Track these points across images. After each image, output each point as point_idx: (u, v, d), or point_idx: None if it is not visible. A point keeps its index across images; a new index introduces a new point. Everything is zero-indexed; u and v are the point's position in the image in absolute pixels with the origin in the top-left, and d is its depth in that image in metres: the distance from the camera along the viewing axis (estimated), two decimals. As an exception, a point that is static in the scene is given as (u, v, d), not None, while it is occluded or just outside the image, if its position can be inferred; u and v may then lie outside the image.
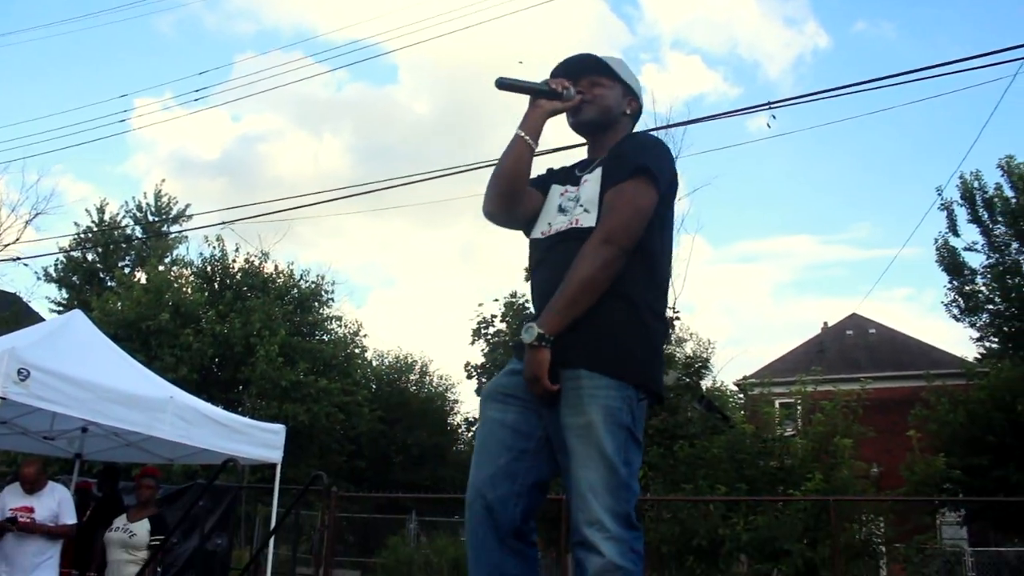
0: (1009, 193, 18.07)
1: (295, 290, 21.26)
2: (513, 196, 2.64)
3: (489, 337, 16.48)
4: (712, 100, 54.52)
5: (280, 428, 8.77)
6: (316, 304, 21.52)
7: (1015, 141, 58.14)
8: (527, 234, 2.73)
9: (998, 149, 34.01)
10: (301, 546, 14.17)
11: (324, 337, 21.71)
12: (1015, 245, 18.24)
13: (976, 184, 18.58)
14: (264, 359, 18.00)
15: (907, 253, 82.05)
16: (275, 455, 8.32)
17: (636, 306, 2.45)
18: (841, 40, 56.75)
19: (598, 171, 2.58)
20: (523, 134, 2.57)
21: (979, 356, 19.67)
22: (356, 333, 23.68)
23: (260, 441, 7.84)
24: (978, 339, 19.89)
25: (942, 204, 19.17)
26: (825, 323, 30.49)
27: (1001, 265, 18.52)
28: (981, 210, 18.58)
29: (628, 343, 2.42)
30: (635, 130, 2.84)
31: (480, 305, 16.62)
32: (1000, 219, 18.28)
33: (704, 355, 16.44)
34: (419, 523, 19.04)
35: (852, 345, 27.50)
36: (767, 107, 11.04)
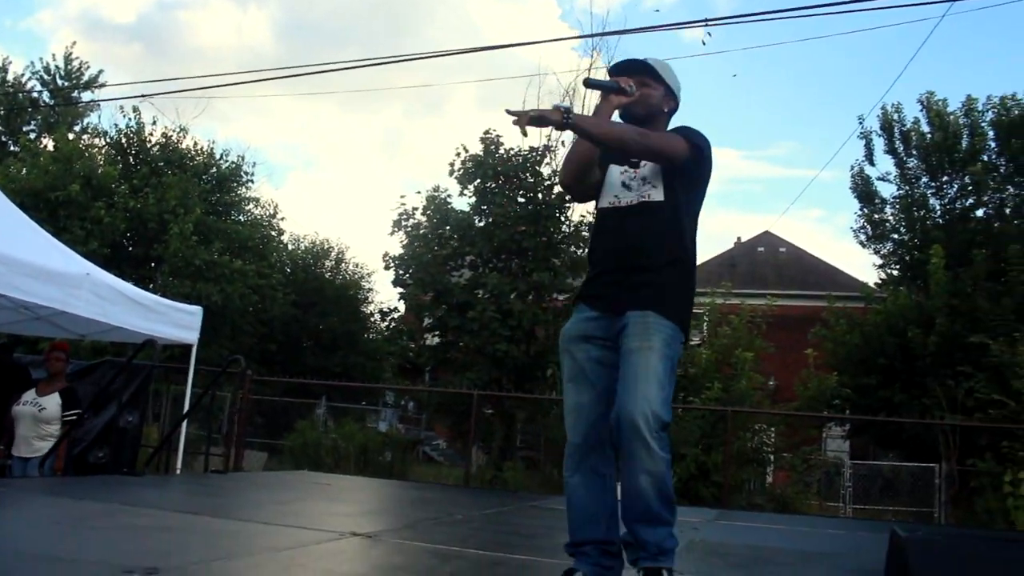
0: (926, 129, 18.53)
1: (214, 169, 20.69)
2: (588, 171, 3.24)
3: (409, 229, 16.43)
4: (648, 5, 53.91)
5: (197, 310, 8.73)
6: (235, 184, 21.03)
7: (938, 79, 59.37)
8: (596, 202, 3.32)
9: (922, 85, 34.71)
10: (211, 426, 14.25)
11: (241, 218, 21.33)
12: (925, 179, 18.82)
13: (896, 117, 18.99)
14: (178, 237, 17.63)
15: (825, 176, 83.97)
16: (191, 336, 8.30)
17: (690, 269, 3.19)
18: (782, -45, 56.22)
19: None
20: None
21: (879, 282, 20.47)
22: (273, 216, 23.33)
23: (176, 322, 7.80)
24: (880, 266, 20.67)
25: (862, 133, 19.60)
26: (738, 238, 31.31)
27: (910, 197, 19.13)
28: (898, 142, 19.04)
29: (683, 298, 3.11)
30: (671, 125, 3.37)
31: (402, 197, 16.58)
32: (914, 153, 18.79)
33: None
34: (328, 408, 19.27)
35: (762, 262, 28.32)
36: (704, 23, 11.13)
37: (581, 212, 16.56)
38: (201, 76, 52.46)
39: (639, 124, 3.18)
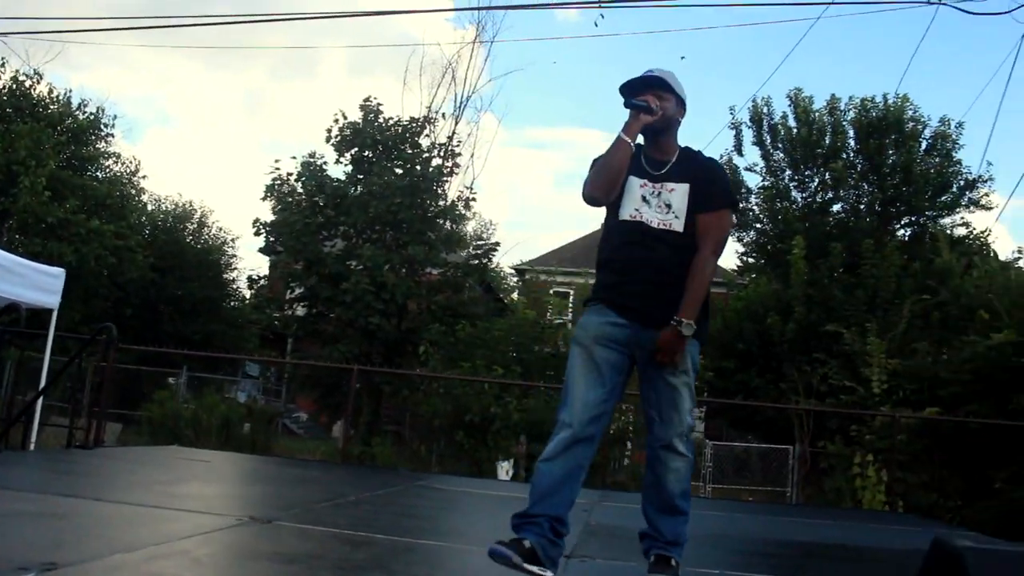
0: (792, 124, 19.23)
1: (70, 120, 19.41)
2: (616, 185, 3.42)
3: (282, 195, 15.87)
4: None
5: (59, 272, 8.18)
6: (93, 138, 19.81)
7: (808, 77, 61.85)
8: (615, 213, 3.49)
9: (794, 82, 36.05)
10: (58, 394, 13.44)
11: (98, 174, 20.15)
12: (788, 172, 19.57)
13: (766, 110, 19.65)
14: (28, 191, 16.48)
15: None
16: (52, 300, 7.76)
17: (709, 296, 3.45)
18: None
19: (685, 187, 3.42)
20: (627, 138, 3.35)
21: (736, 268, 21.21)
22: (134, 173, 22.18)
23: (37, 284, 7.27)
24: (743, 253, 21.42)
25: (732, 123, 20.20)
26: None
27: (774, 188, 19.87)
28: (766, 135, 19.72)
29: (704, 317, 3.41)
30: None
31: (276, 162, 15.94)
32: (780, 146, 19.49)
33: (490, 237, 16.67)
34: (188, 378, 18.52)
35: (630, 244, 28.77)
36: (598, 4, 11.12)
37: (458, 188, 16.44)
38: (57, 18, 49.15)
39: (656, 135, 3.47)
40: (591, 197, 3.47)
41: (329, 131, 16.14)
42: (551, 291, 24.30)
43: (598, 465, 13.71)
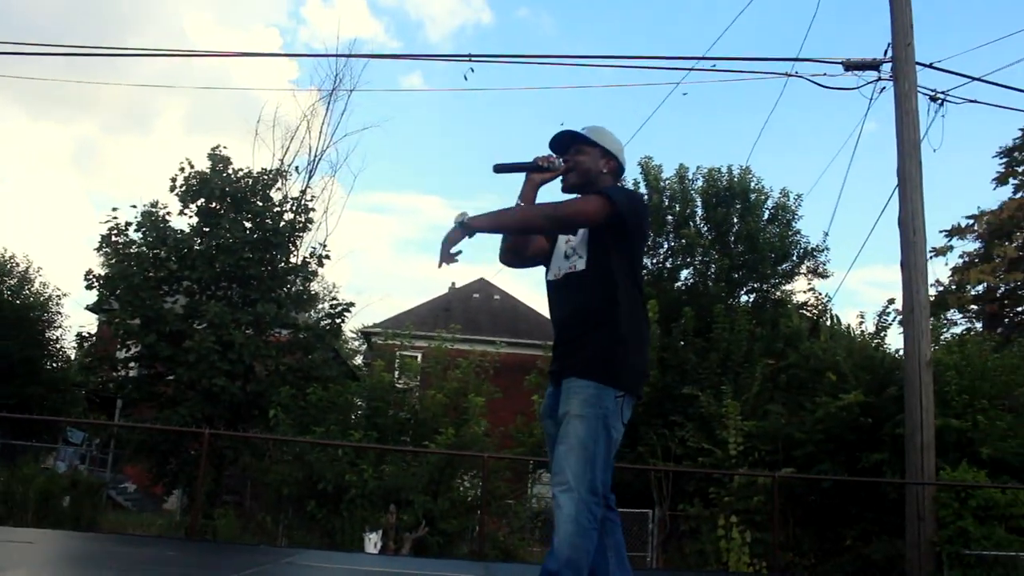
0: (643, 190, 19.64)
1: None
2: (518, 251, 3.41)
3: (120, 247, 14.69)
4: (370, 47, 54.03)
5: None
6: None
7: (661, 147, 64.37)
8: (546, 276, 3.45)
9: (646, 150, 37.26)
10: None
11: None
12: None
13: (617, 175, 19.99)
14: None
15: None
16: None
17: (619, 327, 3.16)
18: (504, 21, 58.76)
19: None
20: (521, 204, 3.29)
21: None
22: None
23: None
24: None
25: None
26: (453, 283, 31.65)
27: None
28: (617, 200, 20.04)
29: (611, 356, 3.13)
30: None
31: (115, 210, 14.73)
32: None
33: (341, 299, 16.02)
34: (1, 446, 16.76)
35: (476, 308, 28.69)
36: (468, 59, 10.95)
37: (311, 244, 15.78)
38: None
39: (580, 191, 3.32)
40: (503, 261, 3.47)
41: (174, 180, 15.18)
42: (398, 354, 23.80)
43: (455, 534, 13.20)
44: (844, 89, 11.00)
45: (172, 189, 15.18)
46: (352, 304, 15.95)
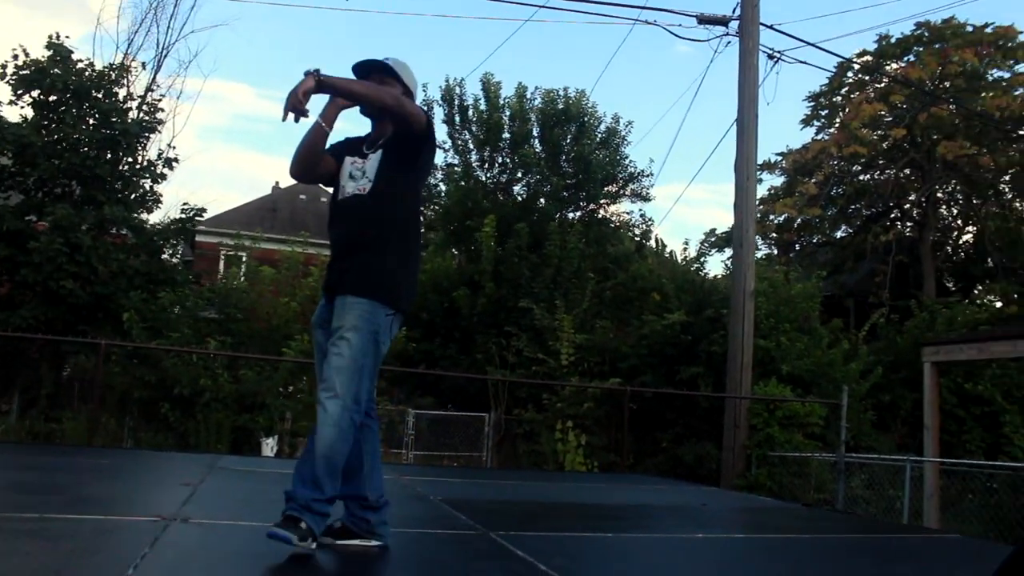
0: (483, 106, 20.21)
1: None
2: (311, 164, 3.54)
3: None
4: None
5: None
6: None
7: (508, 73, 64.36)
8: (332, 194, 3.65)
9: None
10: None
11: None
12: (475, 154, 20.57)
13: (458, 91, 20.44)
14: None
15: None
16: None
17: (397, 247, 3.48)
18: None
19: (380, 152, 3.53)
20: (321, 122, 3.46)
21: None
22: None
23: None
24: (424, 229, 22.06)
25: (424, 100, 20.75)
26: (277, 183, 31.17)
27: (457, 167, 20.83)
28: (456, 114, 20.53)
29: (386, 273, 3.42)
30: None
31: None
32: (470, 127, 20.41)
33: (197, 207, 15.76)
34: None
35: (304, 209, 28.55)
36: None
37: (161, 146, 15.37)
38: None
39: (375, 119, 3.62)
40: (293, 174, 3.61)
41: (4, 67, 14.29)
42: (221, 254, 23.55)
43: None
44: (696, 40, 12.07)
45: (2, 77, 14.30)
46: (204, 209, 15.75)
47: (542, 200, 19.95)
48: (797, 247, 24.23)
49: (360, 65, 3.56)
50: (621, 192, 20.61)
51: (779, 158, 24.06)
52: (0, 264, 13.73)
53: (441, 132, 21.06)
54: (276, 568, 3.09)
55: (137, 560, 2.95)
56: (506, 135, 20.01)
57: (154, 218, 15.89)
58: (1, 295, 14.10)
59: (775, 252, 24.26)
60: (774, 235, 24.23)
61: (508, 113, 19.89)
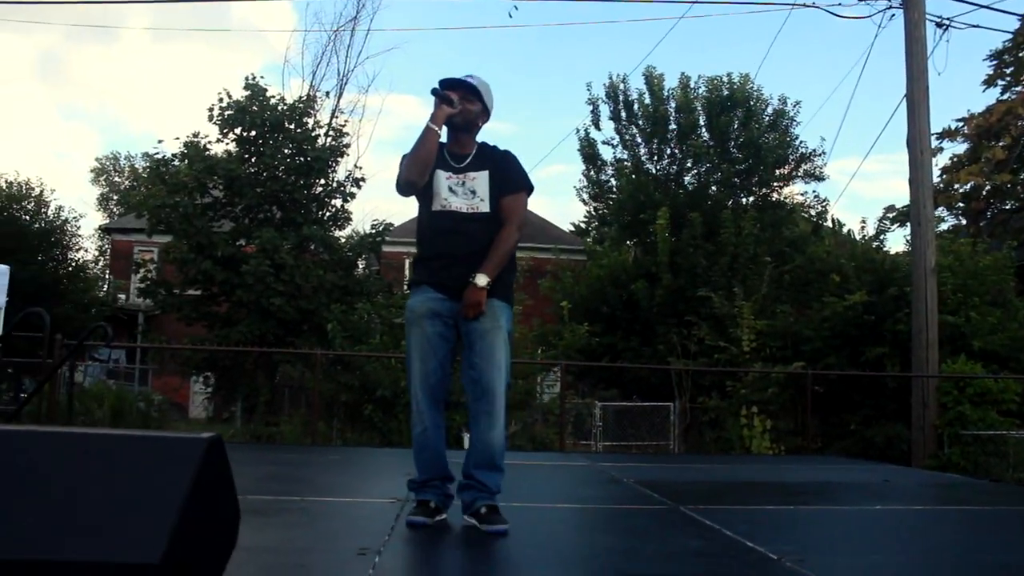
0: (648, 100, 20.45)
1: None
2: (428, 169, 3.85)
3: (168, 177, 15.47)
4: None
5: (4, 269, 8.02)
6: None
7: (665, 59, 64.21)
8: (427, 206, 3.94)
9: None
10: None
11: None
12: (644, 147, 20.83)
13: (622, 86, 20.77)
14: None
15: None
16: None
17: (512, 259, 3.95)
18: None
19: (485, 174, 3.91)
20: (433, 125, 3.79)
21: (586, 234, 22.20)
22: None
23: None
24: (596, 225, 22.57)
25: (590, 99, 21.23)
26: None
27: (627, 162, 21.13)
28: (621, 110, 20.86)
29: (509, 282, 3.94)
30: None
31: (160, 142, 15.56)
32: (636, 121, 20.70)
33: (385, 221, 16.94)
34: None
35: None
36: (513, -2, 11.76)
37: (347, 168, 16.58)
38: None
39: (457, 132, 3.97)
40: (408, 181, 3.88)
41: (211, 109, 15.90)
42: (406, 261, 24.81)
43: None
44: (858, 18, 11.91)
45: (210, 118, 15.90)
46: (391, 224, 16.90)
47: (713, 188, 20.00)
48: (988, 215, 23.04)
49: (446, 82, 3.92)
50: (794, 174, 20.34)
51: (960, 124, 22.94)
52: (218, 287, 15.25)
53: (608, 128, 21.47)
54: (502, 539, 3.63)
55: (389, 531, 3.64)
56: (673, 127, 20.16)
57: (344, 234, 17.10)
58: (221, 314, 15.64)
59: (964, 223, 23.19)
60: (961, 205, 23.19)
61: (674, 104, 20.03)
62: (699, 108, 20.06)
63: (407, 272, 24.77)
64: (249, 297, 14.72)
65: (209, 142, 15.91)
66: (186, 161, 15.48)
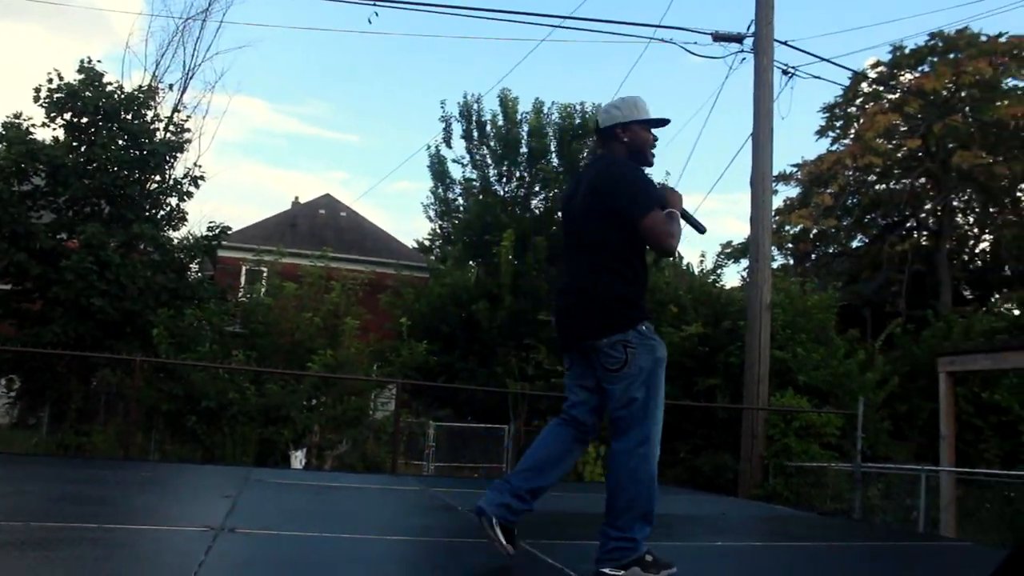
0: (501, 122, 20.51)
1: None
2: None
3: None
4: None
5: None
6: None
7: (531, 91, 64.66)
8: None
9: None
10: None
11: None
12: (494, 169, 20.86)
13: (476, 106, 20.77)
14: None
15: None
16: None
17: None
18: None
19: None
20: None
21: (430, 252, 22.08)
22: None
23: None
24: (439, 242, 22.43)
25: (443, 116, 21.11)
26: (297, 198, 31.57)
27: (476, 182, 21.14)
28: (474, 130, 20.84)
29: None
30: None
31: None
32: (488, 142, 20.71)
33: (222, 224, 16.16)
34: None
35: (323, 224, 28.87)
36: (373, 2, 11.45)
37: (186, 166, 15.74)
38: None
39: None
40: (672, 251, 3.83)
41: (38, 90, 14.71)
42: (244, 269, 23.85)
43: (323, 448, 14.01)
44: (712, 58, 12.28)
45: (36, 100, 14.73)
46: (229, 228, 16.13)
47: (560, 214, 20.15)
48: (813, 257, 24.43)
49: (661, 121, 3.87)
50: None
51: (795, 169, 24.33)
52: (33, 281, 14.09)
53: (460, 147, 21.40)
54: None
55: (196, 567, 3.19)
56: (524, 150, 20.31)
57: (178, 235, 16.23)
58: (33, 311, 14.46)
59: (791, 263, 24.47)
60: (790, 246, 24.46)
61: (526, 128, 20.17)
62: (551, 134, 20.28)
63: (242, 278, 23.85)
64: (67, 295, 13.64)
65: (33, 125, 14.71)
66: (3, 143, 14.22)
